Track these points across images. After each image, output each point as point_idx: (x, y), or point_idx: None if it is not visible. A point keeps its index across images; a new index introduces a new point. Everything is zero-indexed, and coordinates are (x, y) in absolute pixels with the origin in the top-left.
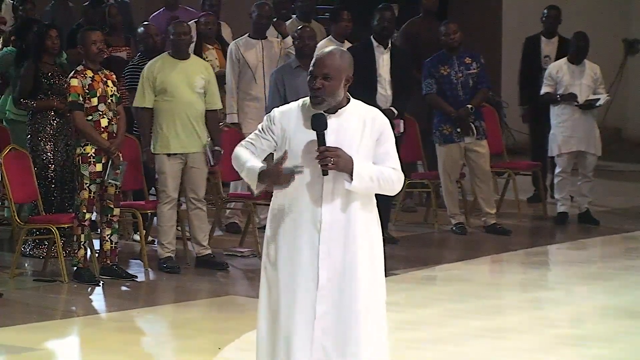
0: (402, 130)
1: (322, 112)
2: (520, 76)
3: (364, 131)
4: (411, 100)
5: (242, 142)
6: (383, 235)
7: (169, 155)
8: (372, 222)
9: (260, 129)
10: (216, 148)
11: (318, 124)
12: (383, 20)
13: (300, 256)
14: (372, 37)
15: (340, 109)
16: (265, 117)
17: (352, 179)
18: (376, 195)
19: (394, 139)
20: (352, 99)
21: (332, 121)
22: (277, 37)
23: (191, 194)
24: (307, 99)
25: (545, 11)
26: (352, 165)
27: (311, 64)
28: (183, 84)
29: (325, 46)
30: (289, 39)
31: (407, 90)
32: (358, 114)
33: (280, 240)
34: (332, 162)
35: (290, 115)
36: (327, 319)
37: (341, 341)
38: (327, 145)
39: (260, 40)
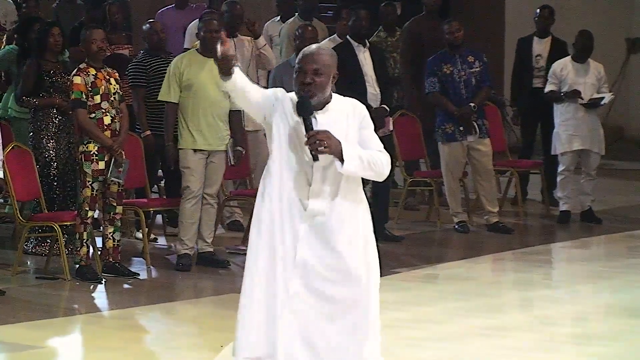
0: (391, 128)
1: (305, 96)
2: (513, 79)
3: (348, 122)
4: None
5: None
6: (384, 232)
7: (195, 150)
8: (361, 210)
9: (265, 90)
10: (238, 148)
11: (304, 109)
12: (360, 19)
13: (283, 241)
14: (348, 37)
15: (326, 104)
16: (275, 88)
17: (342, 162)
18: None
19: (372, 125)
20: (333, 94)
21: (320, 117)
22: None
23: (205, 189)
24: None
25: (538, 11)
26: (341, 147)
27: (299, 59)
28: (210, 82)
29: (327, 46)
30: (261, 40)
31: (390, 87)
32: (341, 106)
33: (263, 225)
34: (325, 145)
35: (289, 103)
36: (298, 300)
37: (327, 330)
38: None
39: (232, 39)
